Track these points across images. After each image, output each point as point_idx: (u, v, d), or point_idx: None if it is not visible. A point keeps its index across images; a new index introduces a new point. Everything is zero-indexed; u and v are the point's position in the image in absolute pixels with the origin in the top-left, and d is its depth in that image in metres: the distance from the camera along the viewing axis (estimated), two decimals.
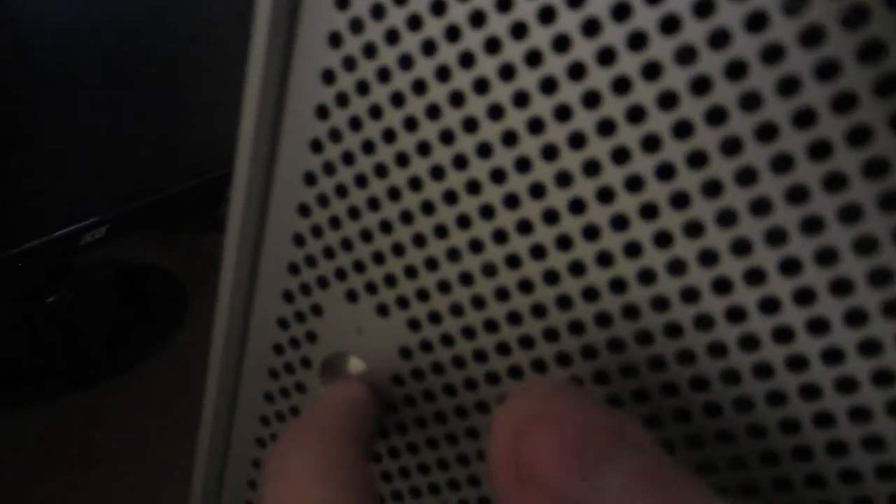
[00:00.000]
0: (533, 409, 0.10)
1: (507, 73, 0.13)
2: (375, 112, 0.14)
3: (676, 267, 0.13)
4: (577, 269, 0.13)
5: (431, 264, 0.15)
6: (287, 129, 0.15)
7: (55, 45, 0.39)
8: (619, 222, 0.13)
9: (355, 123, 0.14)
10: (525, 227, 0.13)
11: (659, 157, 0.12)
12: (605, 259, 0.13)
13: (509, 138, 0.13)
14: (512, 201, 0.13)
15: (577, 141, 0.13)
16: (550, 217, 0.13)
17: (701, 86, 0.11)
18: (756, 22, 0.11)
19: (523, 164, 0.13)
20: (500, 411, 0.11)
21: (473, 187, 0.14)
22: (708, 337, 0.13)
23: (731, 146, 0.12)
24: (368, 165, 0.15)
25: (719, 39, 0.11)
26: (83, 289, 0.55)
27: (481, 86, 0.13)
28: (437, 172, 0.14)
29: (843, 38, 0.10)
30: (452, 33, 0.13)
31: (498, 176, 0.13)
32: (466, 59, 0.13)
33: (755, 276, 0.12)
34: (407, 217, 0.15)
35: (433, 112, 0.14)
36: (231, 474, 0.19)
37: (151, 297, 0.56)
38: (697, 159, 0.12)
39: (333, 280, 0.16)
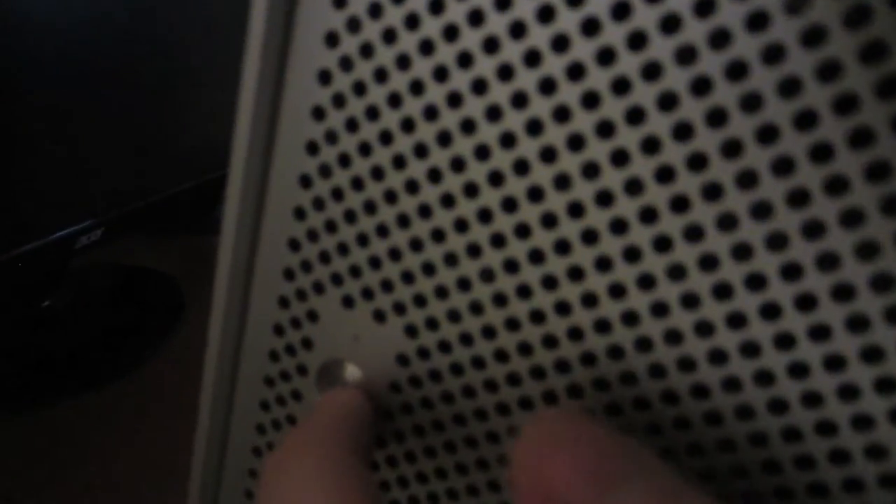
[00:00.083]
0: (554, 435, 0.11)
1: (505, 73, 0.13)
2: (372, 113, 0.14)
3: (676, 272, 0.12)
4: (576, 274, 0.13)
5: (428, 269, 0.14)
6: (283, 131, 0.15)
7: (51, 48, 0.39)
8: (618, 226, 0.13)
9: (352, 125, 0.14)
10: (523, 231, 0.13)
11: (658, 160, 0.12)
12: (603, 264, 0.13)
13: (507, 140, 0.13)
14: (510, 205, 0.13)
15: (576, 143, 0.12)
16: (549, 221, 0.13)
17: (701, 87, 0.11)
18: (757, 22, 0.11)
19: (521, 167, 0.13)
20: (523, 437, 0.12)
21: (471, 190, 0.14)
22: (708, 344, 0.12)
23: (732, 148, 0.11)
24: (365, 168, 0.14)
25: (720, 39, 0.11)
26: (79, 292, 0.54)
27: (479, 86, 0.13)
28: (435, 175, 0.14)
29: (845, 38, 0.10)
30: (450, 33, 0.13)
31: (495, 179, 0.13)
32: (464, 59, 0.13)
33: (756, 282, 0.12)
34: (404, 221, 0.14)
35: (431, 113, 0.13)
36: (227, 483, 0.19)
37: (148, 300, 0.56)
38: (697, 162, 0.12)
39: (329, 285, 0.16)
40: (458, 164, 0.14)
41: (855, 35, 0.10)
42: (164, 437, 0.42)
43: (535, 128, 0.13)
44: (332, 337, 0.16)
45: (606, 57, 0.12)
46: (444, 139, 0.13)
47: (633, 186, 0.12)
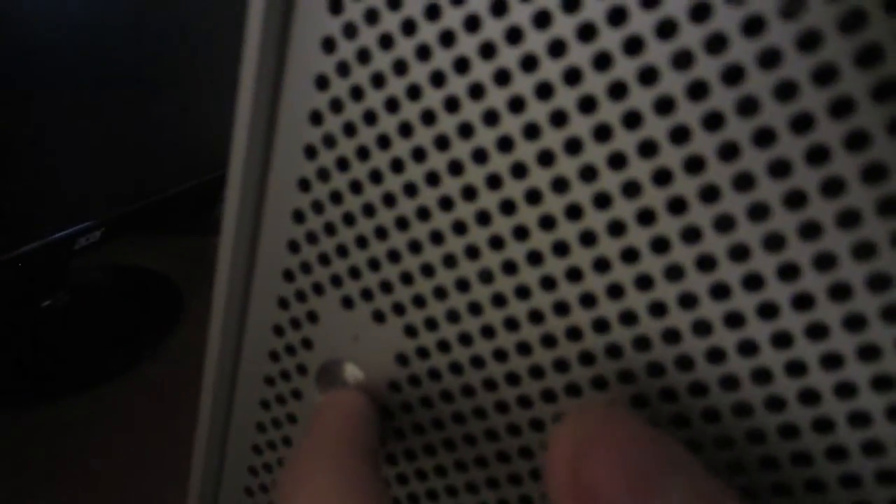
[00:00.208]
0: (591, 431, 0.11)
1: (502, 78, 0.13)
2: (370, 118, 0.14)
3: (674, 273, 0.12)
4: (574, 275, 0.13)
5: (427, 270, 0.15)
6: (281, 135, 0.15)
7: (50, 48, 0.39)
8: (616, 228, 0.13)
9: (349, 129, 0.14)
10: (521, 233, 0.13)
11: (656, 163, 0.12)
12: (601, 265, 0.13)
13: (505, 144, 0.13)
14: (508, 207, 0.13)
15: (573, 146, 0.12)
16: (547, 223, 0.13)
17: (698, 91, 0.11)
18: (753, 26, 0.11)
19: (519, 170, 0.13)
20: (558, 432, 0.11)
21: (469, 193, 0.14)
22: (706, 343, 0.13)
23: (729, 151, 0.11)
24: (363, 171, 0.14)
25: (716, 44, 0.11)
26: (79, 293, 0.54)
27: (477, 90, 0.13)
28: (433, 178, 0.14)
29: (840, 42, 0.10)
30: (447, 38, 0.13)
31: (494, 182, 0.13)
32: (461, 64, 0.13)
33: (753, 282, 0.12)
34: (402, 223, 0.14)
35: (428, 117, 0.13)
36: (228, 482, 0.19)
37: (147, 300, 0.56)
38: (694, 164, 0.12)
39: (329, 287, 0.16)
40: (455, 168, 0.14)
41: (850, 39, 0.10)
42: (164, 436, 0.42)
43: (532, 131, 0.13)
44: (332, 337, 0.16)
45: (603, 62, 0.12)
46: (442, 143, 0.14)
47: (631, 189, 0.12)
